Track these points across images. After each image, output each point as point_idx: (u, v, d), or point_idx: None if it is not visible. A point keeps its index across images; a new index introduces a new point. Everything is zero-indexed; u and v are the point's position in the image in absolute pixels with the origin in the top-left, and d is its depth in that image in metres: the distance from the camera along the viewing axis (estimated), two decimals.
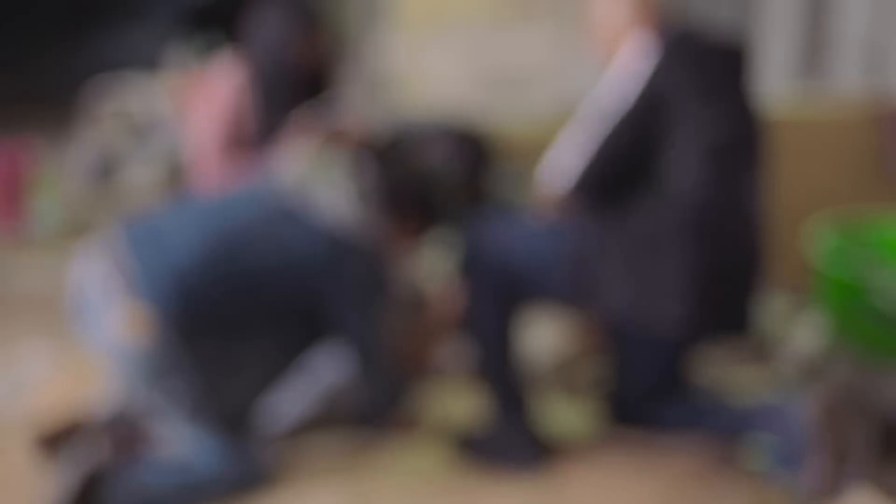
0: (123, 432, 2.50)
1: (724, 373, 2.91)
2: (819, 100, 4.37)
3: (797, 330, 3.00)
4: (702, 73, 2.52)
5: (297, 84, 3.04)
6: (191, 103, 3.55)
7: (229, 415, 2.42)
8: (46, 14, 9.39)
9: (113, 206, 4.60)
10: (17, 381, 3.02)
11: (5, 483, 2.44)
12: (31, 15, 9.40)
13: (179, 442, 2.42)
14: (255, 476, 2.41)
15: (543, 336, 2.95)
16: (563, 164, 2.56)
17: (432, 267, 2.89)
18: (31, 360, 3.17)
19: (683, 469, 2.53)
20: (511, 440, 2.53)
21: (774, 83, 5.24)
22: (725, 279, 2.48)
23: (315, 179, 2.56)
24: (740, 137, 2.51)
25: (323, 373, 2.67)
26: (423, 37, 5.68)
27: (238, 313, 2.41)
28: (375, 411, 2.56)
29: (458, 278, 2.60)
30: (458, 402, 2.78)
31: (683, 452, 2.57)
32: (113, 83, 5.22)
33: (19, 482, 2.43)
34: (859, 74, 4.78)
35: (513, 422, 2.55)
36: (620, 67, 2.57)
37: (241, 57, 3.18)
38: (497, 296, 2.54)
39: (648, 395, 2.56)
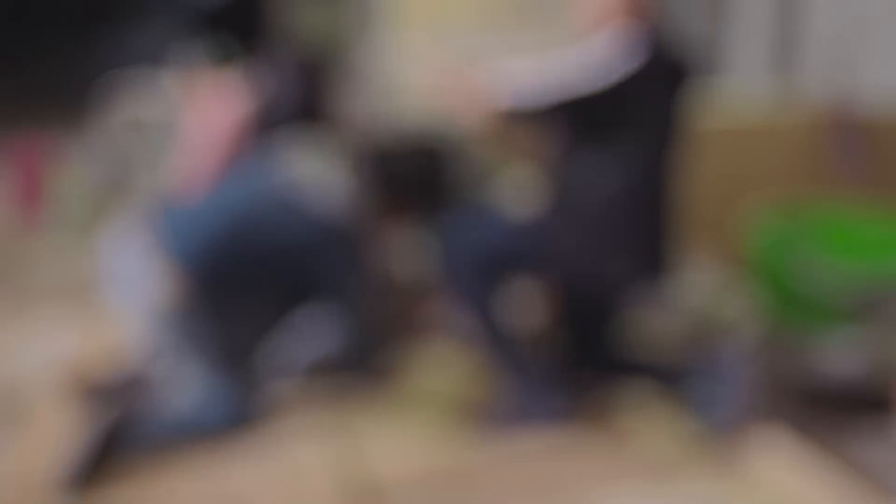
0: (139, 388, 2.92)
1: (658, 336, 3.28)
2: (778, 98, 4.71)
3: (726, 299, 3.36)
4: (660, 78, 2.87)
5: (299, 120, 3.38)
6: (193, 109, 3.88)
7: (236, 360, 2.90)
8: (59, 13, 9.72)
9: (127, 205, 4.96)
10: (44, 353, 3.39)
11: (42, 440, 2.81)
12: (43, 14, 9.74)
13: (191, 388, 2.85)
14: (252, 417, 2.85)
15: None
16: (512, 84, 2.86)
17: (410, 254, 3.27)
18: (55, 334, 3.54)
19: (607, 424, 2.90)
20: (534, 398, 2.86)
21: (743, 78, 5.60)
22: (651, 246, 2.87)
23: (309, 170, 2.99)
24: (670, 138, 2.87)
25: (317, 329, 3.08)
26: (420, 41, 5.98)
27: (246, 276, 2.91)
28: (358, 356, 2.99)
29: (437, 266, 2.98)
30: (447, 366, 3.15)
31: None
32: (123, 81, 5.55)
33: (52, 439, 2.80)
34: (824, 71, 5.12)
35: (529, 382, 2.88)
36: (600, 47, 2.87)
37: (249, 88, 3.50)
38: (479, 274, 2.90)
39: (598, 346, 2.96)
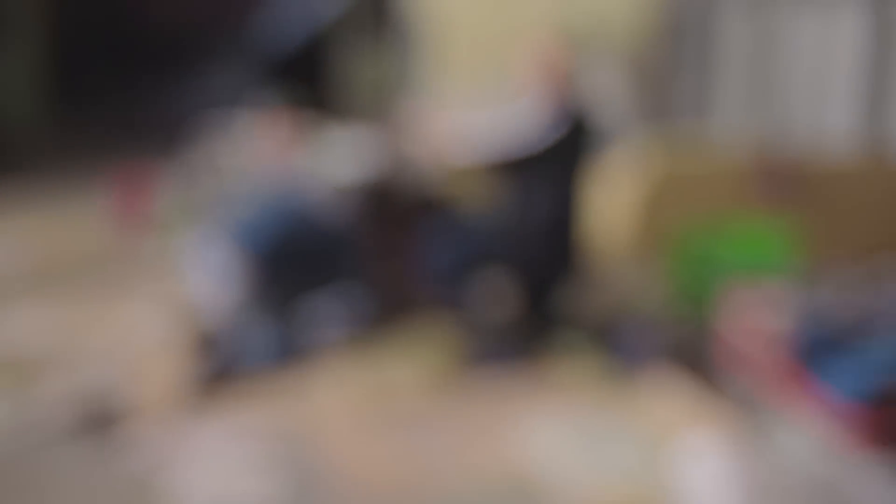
0: (224, 339, 4.14)
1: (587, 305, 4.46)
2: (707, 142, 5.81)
3: (648, 283, 4.47)
4: (577, 139, 4.12)
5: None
6: (260, 138, 5.08)
7: (288, 319, 4.12)
8: (154, 64, 11.13)
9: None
10: (150, 318, 4.61)
11: (163, 378, 4.03)
12: (142, 65, 11.15)
13: (258, 338, 4.03)
14: (298, 356, 4.04)
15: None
16: (472, 142, 4.11)
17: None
18: (156, 304, 4.76)
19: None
20: (502, 348, 4.11)
21: (722, 121, 6.71)
22: (571, 247, 4.07)
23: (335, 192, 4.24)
24: (581, 179, 4.09)
25: (340, 299, 4.28)
26: (459, 89, 7.12)
27: (294, 261, 4.16)
28: (366, 321, 4.19)
29: (426, 261, 4.21)
30: (432, 332, 4.32)
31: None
32: (207, 118, 6.75)
33: (169, 378, 4.01)
34: (746, 113, 6.27)
35: (498, 337, 4.16)
36: (534, 112, 4.11)
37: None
38: (458, 266, 4.09)
39: (545, 311, 4.16)
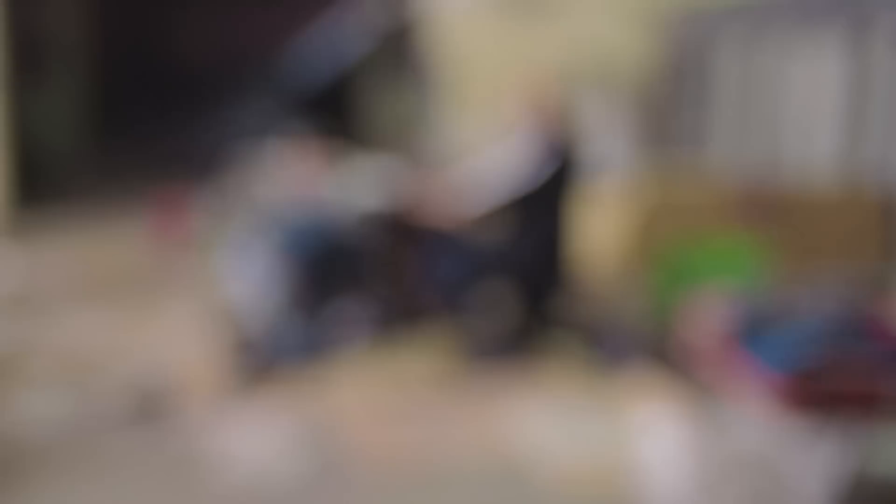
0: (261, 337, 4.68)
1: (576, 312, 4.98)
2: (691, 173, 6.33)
3: (631, 293, 5.00)
4: (566, 174, 4.66)
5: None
6: (290, 163, 5.62)
7: (320, 319, 4.66)
8: (186, 92, 11.76)
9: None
10: (190, 321, 5.14)
11: (207, 370, 4.55)
12: (178, 101, 11.79)
13: (291, 336, 4.57)
14: (326, 353, 4.56)
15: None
16: (476, 191, 4.62)
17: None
18: (195, 310, 5.28)
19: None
20: (498, 345, 4.67)
21: (716, 152, 7.22)
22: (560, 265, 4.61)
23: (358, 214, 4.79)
24: (568, 208, 4.65)
25: (361, 304, 4.82)
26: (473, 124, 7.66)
27: (325, 268, 4.72)
28: (384, 325, 4.73)
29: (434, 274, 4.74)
30: (447, 333, 4.85)
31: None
32: (240, 146, 7.30)
33: (212, 371, 4.53)
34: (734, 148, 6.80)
35: (497, 338, 4.70)
36: (526, 149, 4.64)
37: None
38: (466, 278, 4.62)
39: (540, 316, 4.71)
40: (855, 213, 5.62)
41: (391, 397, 4.29)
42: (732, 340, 3.17)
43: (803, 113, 6.47)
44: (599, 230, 5.15)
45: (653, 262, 5.05)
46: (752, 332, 3.12)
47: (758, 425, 3.06)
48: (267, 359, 4.47)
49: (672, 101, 7.98)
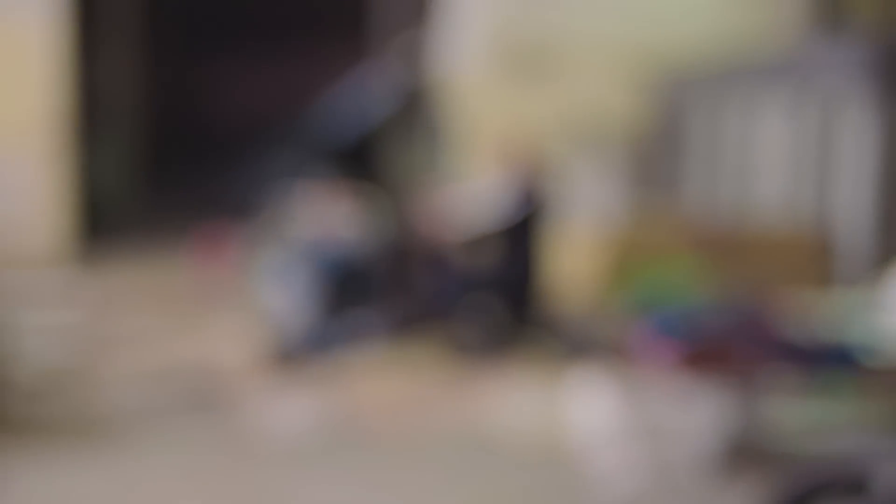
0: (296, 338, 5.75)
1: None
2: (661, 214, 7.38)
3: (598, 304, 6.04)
4: (538, 213, 5.76)
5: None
6: (318, 206, 6.68)
7: (344, 323, 5.72)
8: (226, 143, 12.99)
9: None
10: (232, 331, 6.22)
11: (251, 362, 5.64)
12: (215, 144, 13.01)
13: (323, 340, 5.67)
14: (349, 349, 5.63)
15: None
16: (461, 217, 5.78)
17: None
18: (239, 323, 6.37)
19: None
20: (483, 344, 5.72)
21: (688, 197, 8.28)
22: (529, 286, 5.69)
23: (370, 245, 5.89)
24: (537, 245, 5.74)
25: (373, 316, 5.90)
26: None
27: (348, 286, 5.77)
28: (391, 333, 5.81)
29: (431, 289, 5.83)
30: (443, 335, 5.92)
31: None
32: (271, 192, 8.33)
33: (256, 362, 5.62)
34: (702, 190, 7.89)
35: (482, 337, 5.76)
36: (504, 184, 5.72)
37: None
38: (458, 292, 5.71)
39: (520, 319, 5.78)
40: (797, 248, 6.66)
41: (396, 384, 5.36)
42: (650, 328, 4.22)
43: (751, 165, 7.54)
44: (578, 257, 6.24)
45: (615, 282, 6.12)
46: (664, 319, 4.18)
47: (661, 393, 4.08)
48: (300, 355, 5.56)
49: (654, 152, 9.08)
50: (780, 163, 7.23)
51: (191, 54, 14.06)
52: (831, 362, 3.85)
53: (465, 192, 6.42)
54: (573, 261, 6.09)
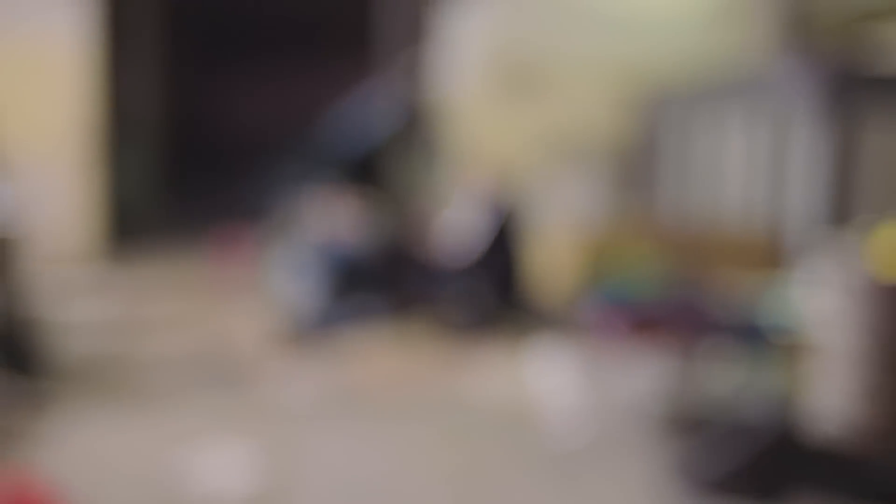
0: (307, 318, 6.55)
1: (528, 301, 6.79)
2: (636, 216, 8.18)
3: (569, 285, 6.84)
4: (511, 225, 6.58)
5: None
6: (326, 211, 7.49)
7: (350, 307, 6.52)
8: (240, 153, 13.80)
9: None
10: (254, 314, 7.04)
11: (267, 338, 6.46)
12: (230, 154, 13.82)
13: (333, 320, 6.48)
14: (353, 329, 6.44)
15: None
16: (456, 238, 6.59)
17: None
18: (253, 307, 7.18)
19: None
20: (474, 322, 6.51)
21: (664, 199, 9.07)
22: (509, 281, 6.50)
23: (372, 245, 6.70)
24: (514, 248, 6.54)
25: (373, 303, 6.70)
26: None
27: (353, 277, 6.56)
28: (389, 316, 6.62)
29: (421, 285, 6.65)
30: (437, 317, 6.71)
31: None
32: (283, 198, 9.13)
33: (271, 337, 6.44)
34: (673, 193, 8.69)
35: (468, 319, 6.56)
36: (479, 206, 6.56)
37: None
38: (447, 283, 6.53)
39: (505, 304, 6.60)
40: (751, 246, 7.45)
41: (395, 358, 6.18)
42: (602, 299, 5.05)
43: (718, 172, 8.33)
44: (558, 255, 7.07)
45: (589, 277, 6.94)
46: (614, 292, 5.01)
47: (609, 359, 4.90)
48: (311, 334, 6.38)
49: (634, 162, 9.90)
50: (741, 172, 8.03)
51: (208, 72, 14.94)
52: (746, 338, 4.67)
53: (448, 217, 7.32)
54: (553, 258, 6.94)
